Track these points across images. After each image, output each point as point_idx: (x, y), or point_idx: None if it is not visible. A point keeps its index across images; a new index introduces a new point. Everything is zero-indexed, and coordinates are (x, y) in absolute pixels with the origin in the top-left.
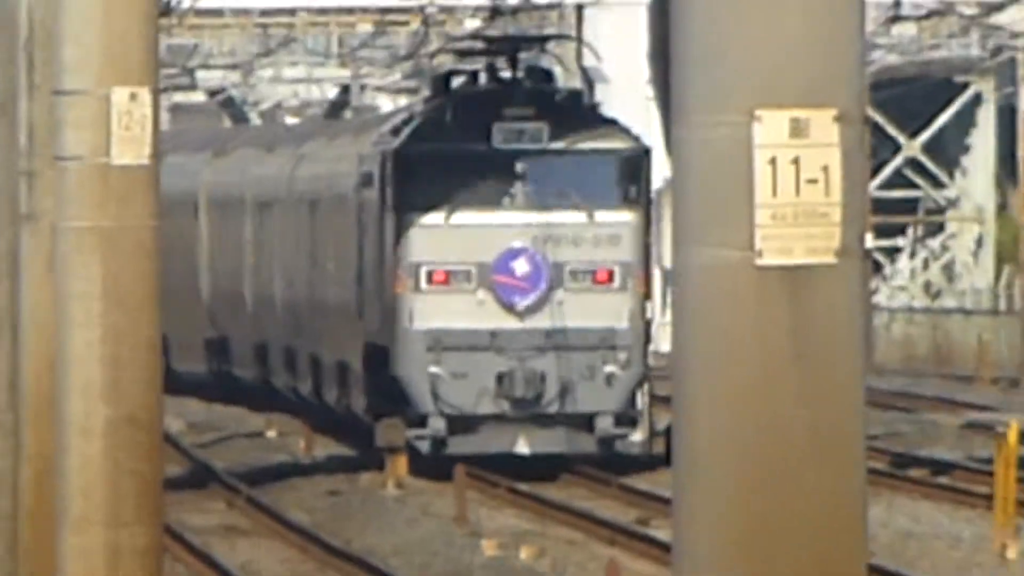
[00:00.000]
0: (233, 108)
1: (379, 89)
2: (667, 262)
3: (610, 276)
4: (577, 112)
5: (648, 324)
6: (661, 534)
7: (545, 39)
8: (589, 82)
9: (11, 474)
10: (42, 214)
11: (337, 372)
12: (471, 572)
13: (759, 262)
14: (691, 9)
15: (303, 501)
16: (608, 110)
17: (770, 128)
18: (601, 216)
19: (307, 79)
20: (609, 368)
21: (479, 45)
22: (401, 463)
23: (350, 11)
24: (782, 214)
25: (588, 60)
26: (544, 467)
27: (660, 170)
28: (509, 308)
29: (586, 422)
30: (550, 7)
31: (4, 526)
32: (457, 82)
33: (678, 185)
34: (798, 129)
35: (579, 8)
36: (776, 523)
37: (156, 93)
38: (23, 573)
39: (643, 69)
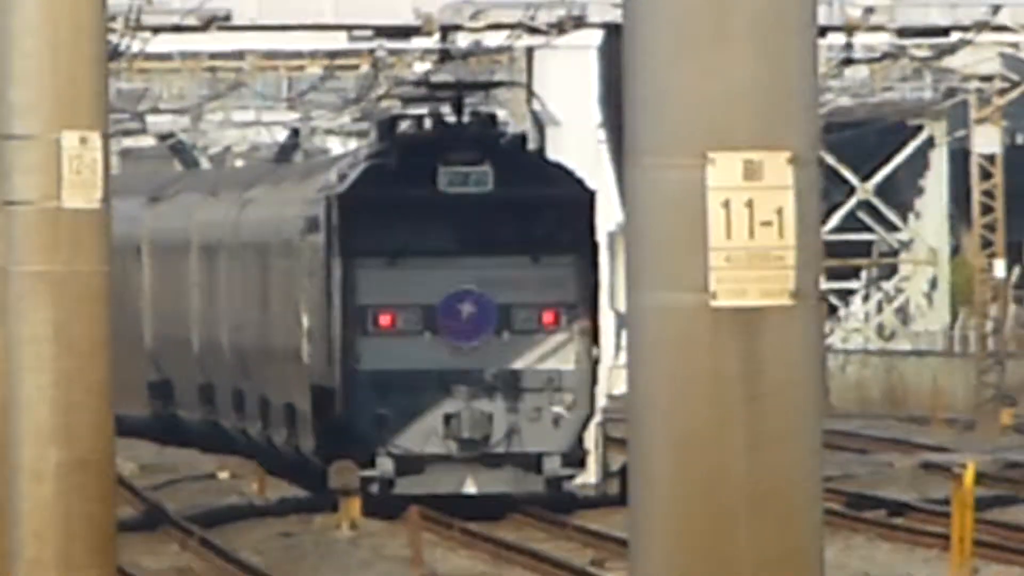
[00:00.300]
0: (183, 152)
1: (329, 132)
2: (620, 305)
3: (556, 318)
4: (522, 156)
5: (595, 365)
6: (616, 575)
7: (490, 85)
8: (539, 126)
9: None
10: None
11: (285, 414)
12: None
13: (713, 304)
14: (642, 51)
15: (256, 543)
16: (559, 153)
17: (723, 170)
18: (546, 259)
19: (257, 122)
20: (556, 409)
21: (424, 90)
22: (354, 505)
23: (299, 55)
24: (736, 256)
25: (538, 104)
26: (492, 507)
27: (613, 214)
28: (456, 350)
29: (533, 462)
30: (500, 51)
31: None
32: (402, 127)
33: (631, 228)
34: (752, 171)
35: (529, 51)
36: (732, 564)
37: (106, 137)
38: None
39: (594, 112)
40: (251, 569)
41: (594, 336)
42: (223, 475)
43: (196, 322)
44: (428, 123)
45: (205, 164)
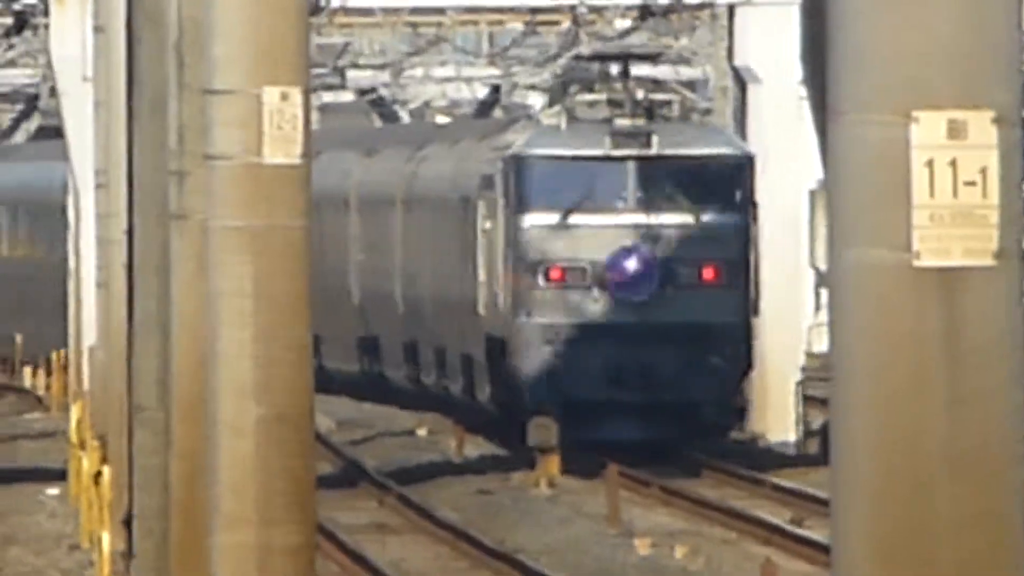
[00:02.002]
0: (383, 107)
1: (530, 88)
2: (821, 263)
3: (716, 274)
4: (685, 120)
5: (751, 319)
6: (816, 534)
7: (656, 56)
8: (741, 82)
9: (162, 471)
10: (192, 213)
11: (461, 364)
12: (624, 571)
13: (916, 263)
14: (847, 8)
15: (454, 500)
16: (759, 110)
17: (927, 130)
18: (707, 217)
19: (457, 78)
20: (715, 360)
21: (596, 59)
22: (552, 462)
23: (500, 10)
24: (939, 215)
25: (739, 60)
26: (654, 452)
27: (813, 171)
28: (621, 303)
29: (694, 410)
30: (701, 7)
31: (155, 524)
32: (573, 91)
33: (833, 185)
34: (956, 131)
35: (730, 8)
36: (932, 524)
37: (307, 92)
38: (174, 570)
39: (795, 70)
40: (449, 526)
41: (750, 291)
42: (421, 432)
43: (392, 277)
44: (598, 88)
45: (405, 119)
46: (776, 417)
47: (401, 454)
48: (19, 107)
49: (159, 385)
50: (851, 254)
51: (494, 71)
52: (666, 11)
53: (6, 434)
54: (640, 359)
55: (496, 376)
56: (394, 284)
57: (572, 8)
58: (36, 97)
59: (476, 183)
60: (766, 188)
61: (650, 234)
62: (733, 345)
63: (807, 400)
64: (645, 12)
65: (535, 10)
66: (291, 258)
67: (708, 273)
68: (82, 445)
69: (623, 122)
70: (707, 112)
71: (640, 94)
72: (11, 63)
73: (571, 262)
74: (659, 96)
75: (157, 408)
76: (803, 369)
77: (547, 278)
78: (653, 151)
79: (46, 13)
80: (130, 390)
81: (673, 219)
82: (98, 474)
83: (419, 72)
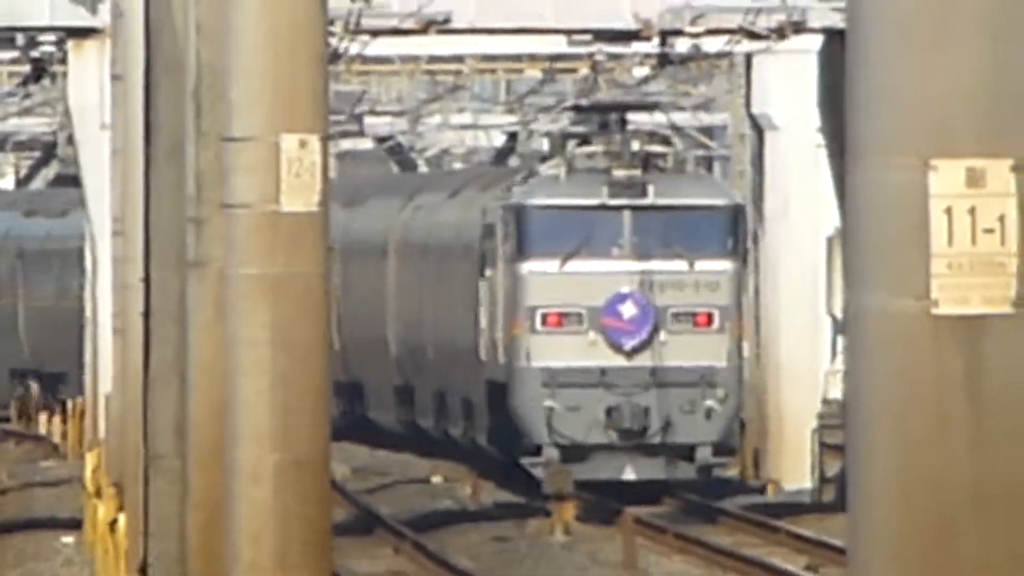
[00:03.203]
0: (400, 155)
1: (547, 136)
2: (838, 311)
3: (709, 319)
4: (679, 170)
5: (742, 363)
6: None
7: (649, 107)
8: (759, 130)
9: (178, 520)
10: (210, 261)
11: (462, 408)
12: None
13: (935, 311)
14: (866, 53)
15: (470, 547)
16: (777, 157)
17: (946, 178)
18: (701, 265)
19: (475, 125)
20: (708, 403)
21: (591, 108)
22: (568, 509)
23: (518, 58)
24: (958, 263)
25: (757, 107)
26: (649, 492)
27: (831, 218)
28: (617, 348)
29: (687, 452)
30: (719, 55)
31: (172, 570)
32: (571, 143)
33: (851, 230)
34: (974, 179)
35: (748, 56)
36: (956, 569)
37: (325, 140)
38: None
39: (812, 117)
40: (465, 574)
41: (742, 336)
42: (436, 479)
43: (390, 323)
44: (595, 140)
45: (422, 167)
46: (792, 464)
47: (416, 501)
48: (36, 155)
49: (176, 433)
50: (869, 300)
51: (512, 118)
52: (684, 59)
53: (22, 482)
54: (635, 401)
55: (495, 419)
56: (388, 330)
57: (590, 56)
58: (54, 145)
59: (479, 232)
60: (784, 234)
61: (645, 280)
62: (726, 387)
63: (823, 447)
64: (663, 60)
65: (553, 57)
66: (309, 305)
67: (701, 318)
68: (98, 493)
69: (620, 173)
70: (725, 159)
71: (636, 146)
72: (28, 111)
73: (569, 307)
74: (655, 148)
75: (174, 456)
76: (819, 416)
77: (545, 323)
78: (648, 200)
79: (64, 61)
80: (146, 438)
81: (668, 266)
82: (114, 522)
83: (437, 119)
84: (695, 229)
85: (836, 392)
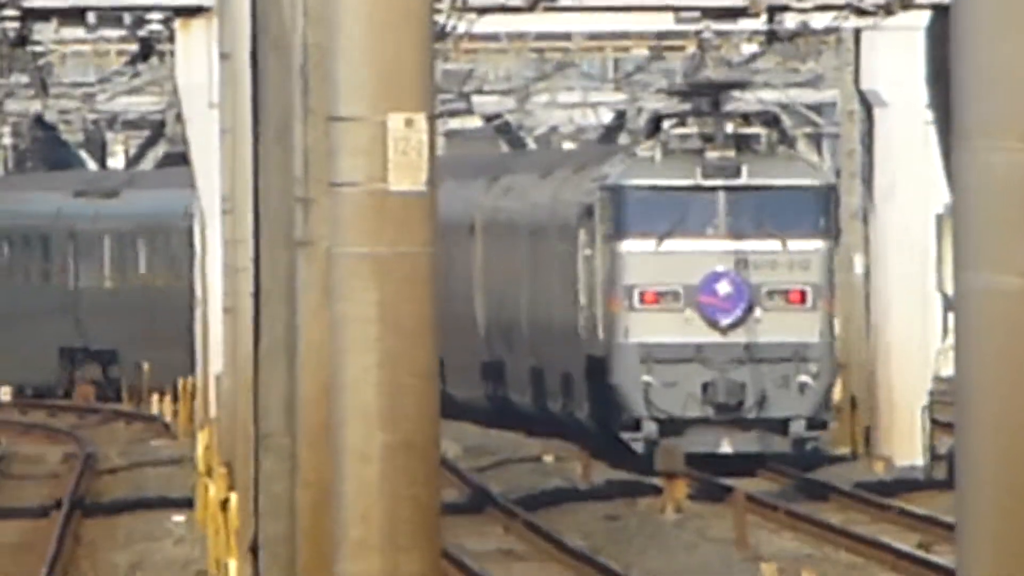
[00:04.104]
0: (509, 134)
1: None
2: (948, 288)
3: (802, 296)
4: (773, 150)
5: (834, 339)
6: (943, 559)
7: (741, 85)
8: (867, 106)
9: (288, 498)
10: (317, 240)
11: (561, 383)
12: None
13: None
14: (972, 34)
15: (581, 525)
16: (886, 134)
17: None
18: (794, 244)
19: (583, 104)
20: (802, 378)
21: (687, 89)
22: (680, 487)
23: (626, 35)
24: None
25: (866, 84)
26: (744, 465)
27: (941, 195)
28: (713, 324)
29: (781, 426)
30: (827, 31)
31: (281, 549)
32: (667, 123)
33: (959, 210)
34: None
35: (856, 32)
36: None
37: (432, 119)
38: None
39: (921, 94)
40: (576, 552)
41: (833, 313)
42: (548, 458)
43: (478, 299)
44: (690, 120)
45: (531, 145)
46: (903, 441)
47: (527, 480)
48: (145, 134)
49: (285, 412)
50: (976, 279)
51: (620, 96)
52: (792, 35)
53: (134, 461)
54: (730, 377)
55: (594, 394)
56: (476, 306)
57: (698, 33)
58: (162, 124)
59: (575, 212)
60: (894, 212)
61: (740, 259)
62: (819, 363)
63: (934, 424)
64: (771, 37)
65: (661, 35)
66: (417, 284)
67: (794, 295)
68: (209, 472)
69: (714, 154)
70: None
71: (730, 127)
72: (137, 90)
73: (665, 286)
74: (748, 129)
75: (283, 435)
76: (930, 393)
77: (642, 300)
78: (742, 181)
79: (171, 40)
80: (256, 417)
81: (761, 245)
82: (225, 501)
83: (545, 98)
84: (788, 209)
85: (948, 370)
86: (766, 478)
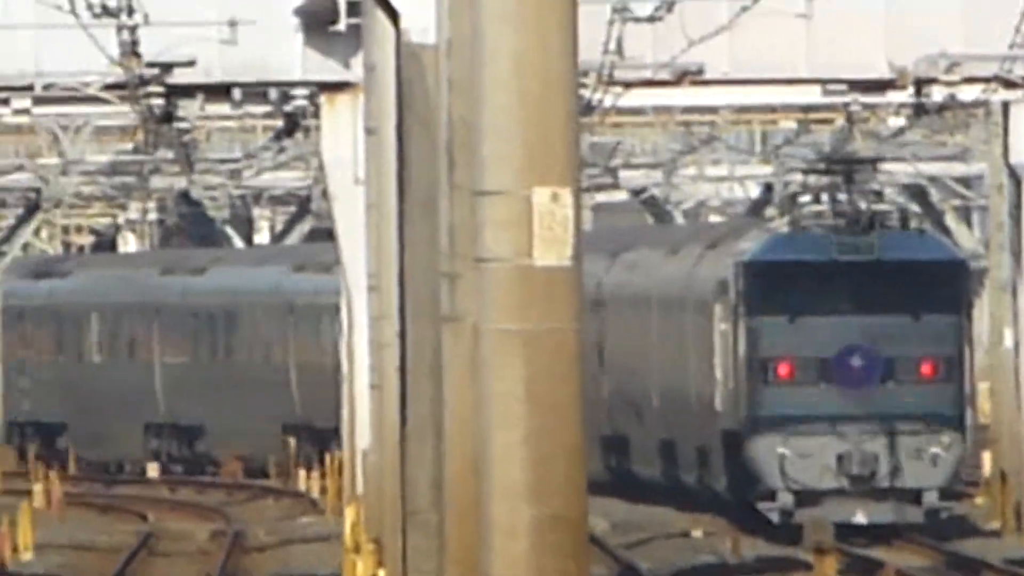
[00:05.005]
0: (655, 207)
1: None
2: None
3: (935, 369)
4: (903, 228)
5: (965, 411)
6: None
7: (874, 161)
8: (1016, 180)
9: (436, 575)
10: (464, 315)
11: (697, 456)
12: None
13: None
14: None
15: None
16: None
17: None
18: (926, 318)
19: (730, 177)
20: (934, 449)
21: (820, 166)
22: (830, 562)
23: (773, 109)
24: None
25: (1015, 157)
26: (878, 535)
27: None
28: (846, 396)
29: (914, 496)
30: (975, 104)
31: None
32: (801, 201)
33: None
34: None
35: (1005, 105)
36: None
37: (578, 193)
38: None
39: None
40: None
41: (965, 385)
42: (696, 533)
43: (605, 372)
44: (823, 198)
45: (678, 219)
46: None
47: (676, 556)
48: (291, 209)
49: (433, 488)
50: None
51: (767, 169)
52: (940, 108)
53: (281, 538)
54: (865, 448)
55: (730, 465)
56: (602, 378)
57: (845, 106)
58: (308, 199)
59: (712, 288)
60: None
61: (873, 333)
62: (951, 434)
63: None
64: (919, 110)
65: (808, 108)
66: (563, 361)
67: (926, 368)
68: (356, 549)
69: (847, 230)
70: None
71: (863, 204)
72: (283, 166)
73: (800, 359)
74: (881, 206)
75: (431, 511)
76: None
77: (777, 374)
78: (875, 256)
79: (317, 115)
80: (404, 493)
81: (894, 319)
82: None
83: (692, 171)
84: (920, 283)
85: None
86: (914, 552)
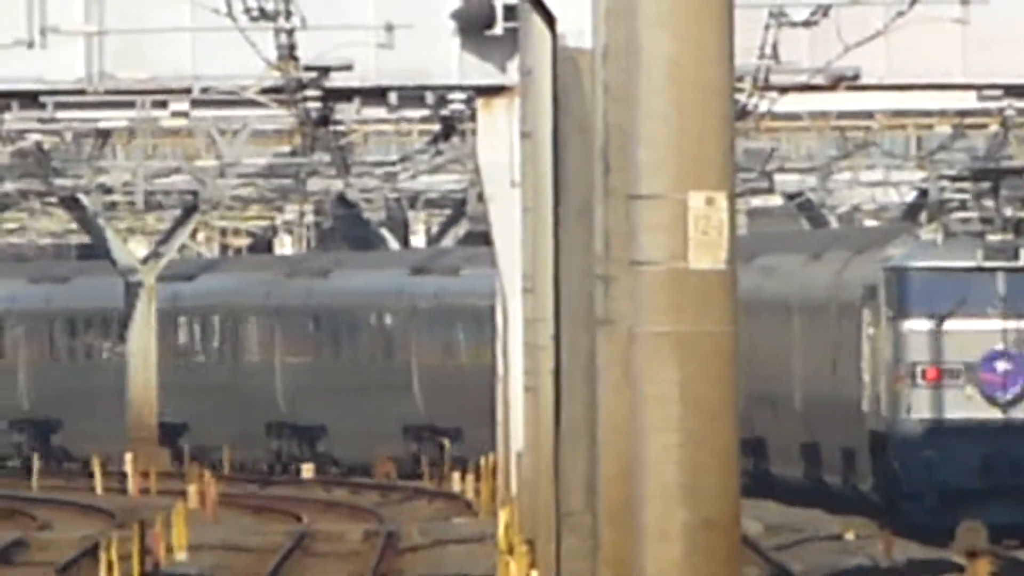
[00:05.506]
0: (811, 211)
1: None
2: None
3: None
4: None
5: None
6: None
7: (1021, 171)
8: None
9: None
10: (618, 318)
11: (843, 457)
12: None
13: None
14: None
15: None
16: None
17: None
18: None
19: (885, 182)
20: None
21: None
22: (983, 567)
23: (928, 113)
24: None
25: None
26: (1018, 535)
27: None
28: (992, 401)
29: None
30: None
31: None
32: (948, 208)
33: None
34: None
35: None
36: None
37: (732, 197)
38: None
39: None
40: None
41: None
42: (849, 536)
43: (772, 377)
44: (970, 205)
45: (833, 224)
46: None
47: (829, 559)
48: (447, 212)
49: (587, 490)
50: None
51: (922, 174)
52: None
53: (435, 539)
54: (1010, 450)
55: (877, 467)
56: (787, 385)
57: (1000, 111)
58: (463, 203)
59: (860, 292)
60: None
61: (1019, 338)
62: None
63: None
64: None
65: (963, 113)
66: (719, 363)
67: None
68: (510, 550)
69: (993, 237)
70: None
71: (1009, 211)
72: (438, 169)
73: (947, 363)
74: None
75: (585, 513)
76: None
77: (924, 377)
78: (1021, 263)
79: (473, 119)
80: (558, 495)
81: None
82: None
83: (847, 176)
84: None
85: None
86: None
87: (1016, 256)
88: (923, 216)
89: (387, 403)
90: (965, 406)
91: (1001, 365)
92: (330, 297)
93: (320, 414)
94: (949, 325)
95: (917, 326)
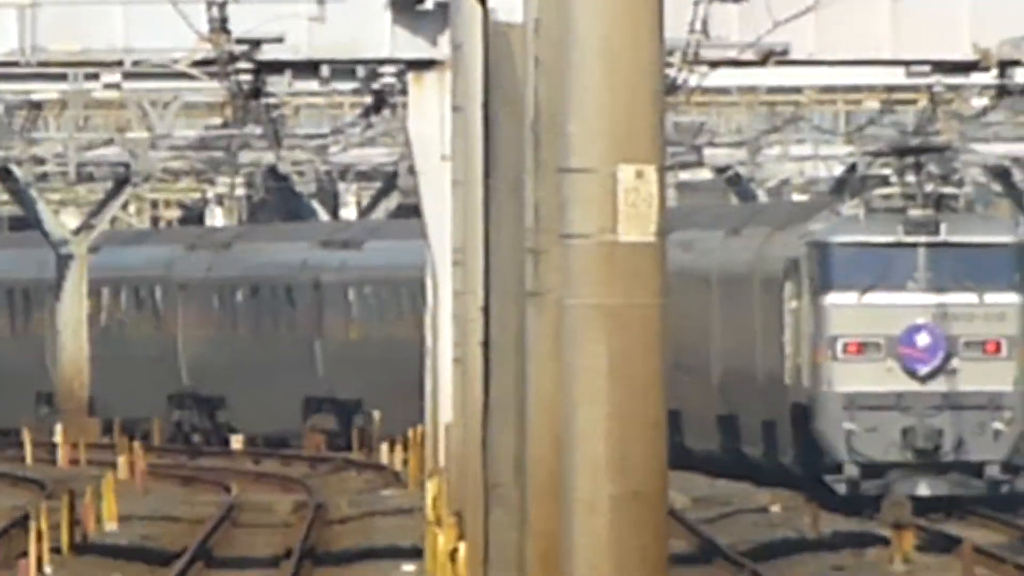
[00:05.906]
0: (739, 186)
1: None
2: None
3: (998, 347)
4: (969, 211)
5: None
6: None
7: (942, 149)
8: None
9: (516, 549)
10: (548, 291)
11: (763, 430)
12: None
13: None
14: None
15: None
16: None
17: None
18: (990, 297)
19: (814, 156)
20: (996, 425)
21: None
22: (908, 539)
23: (857, 89)
24: None
25: None
26: (939, 507)
27: None
28: (912, 374)
29: (976, 470)
30: None
31: None
32: (870, 184)
33: None
34: None
35: None
36: None
37: (662, 170)
38: None
39: None
40: None
41: None
42: (775, 508)
43: (695, 352)
44: (892, 180)
45: (762, 198)
46: None
47: (755, 531)
48: (377, 185)
49: (515, 462)
50: None
51: (850, 149)
52: (1023, 90)
53: (363, 511)
54: (929, 423)
55: (798, 439)
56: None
57: (929, 87)
58: (394, 176)
59: (783, 266)
60: None
61: (938, 312)
62: (1012, 411)
63: None
64: (1002, 91)
65: (892, 88)
66: (647, 336)
67: (990, 346)
68: (438, 522)
69: (915, 212)
70: None
71: (930, 187)
72: (370, 142)
73: (868, 337)
74: (946, 189)
75: (513, 485)
76: None
77: (846, 351)
78: (941, 238)
79: (404, 93)
80: (486, 467)
81: (959, 298)
82: (454, 551)
83: (776, 150)
84: (984, 264)
85: None
86: (993, 529)
87: (937, 231)
88: (847, 191)
89: (288, 375)
90: (885, 379)
91: (921, 339)
92: (230, 269)
93: (221, 386)
94: (870, 299)
95: (839, 300)
